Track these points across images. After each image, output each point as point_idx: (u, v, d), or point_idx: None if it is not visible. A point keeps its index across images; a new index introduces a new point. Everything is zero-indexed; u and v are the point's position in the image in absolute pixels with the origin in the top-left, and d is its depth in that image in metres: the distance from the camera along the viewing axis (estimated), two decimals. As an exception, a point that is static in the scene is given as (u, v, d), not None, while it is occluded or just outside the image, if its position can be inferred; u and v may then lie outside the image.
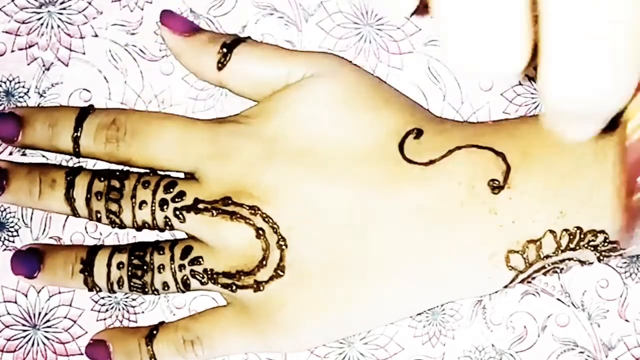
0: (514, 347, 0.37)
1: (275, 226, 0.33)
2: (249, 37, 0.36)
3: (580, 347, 0.37)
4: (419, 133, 0.33)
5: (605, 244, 0.32)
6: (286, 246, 0.33)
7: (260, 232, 0.33)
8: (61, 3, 0.37)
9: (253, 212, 0.33)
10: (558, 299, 0.37)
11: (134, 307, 0.37)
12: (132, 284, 0.35)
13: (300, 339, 0.35)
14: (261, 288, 0.33)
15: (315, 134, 0.33)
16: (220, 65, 0.34)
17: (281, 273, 0.33)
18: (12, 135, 0.35)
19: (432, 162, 0.33)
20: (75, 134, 0.35)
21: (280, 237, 0.33)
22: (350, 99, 0.34)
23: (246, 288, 0.34)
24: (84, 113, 0.35)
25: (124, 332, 0.36)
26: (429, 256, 0.33)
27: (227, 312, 0.35)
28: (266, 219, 0.33)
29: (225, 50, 0.34)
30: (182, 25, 0.35)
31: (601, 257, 0.33)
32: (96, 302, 0.37)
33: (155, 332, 0.36)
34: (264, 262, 0.33)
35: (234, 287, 0.34)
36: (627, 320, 0.37)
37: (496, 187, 0.32)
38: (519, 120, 0.35)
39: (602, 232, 0.32)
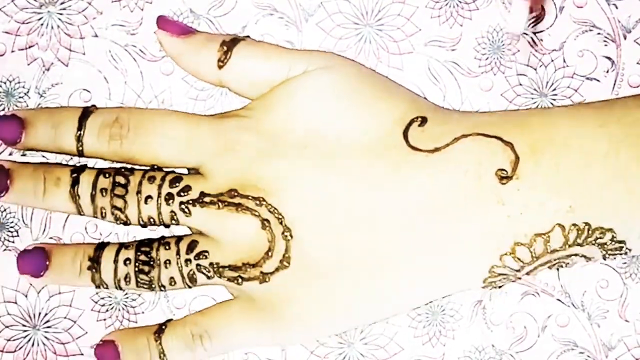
0: (514, 348, 0.37)
1: (280, 217, 0.33)
2: (248, 36, 0.36)
3: (580, 347, 0.37)
4: (423, 121, 0.33)
5: (612, 243, 0.32)
6: (291, 237, 0.33)
7: (266, 222, 0.33)
8: (61, 3, 0.37)
9: (258, 203, 0.33)
10: (558, 299, 0.37)
11: (134, 307, 0.37)
12: (139, 279, 0.35)
13: (307, 329, 0.35)
14: (267, 279, 0.34)
15: (318, 124, 0.34)
16: (220, 63, 0.35)
17: (287, 264, 0.33)
18: (15, 137, 0.35)
19: (437, 149, 0.33)
20: (79, 133, 0.35)
21: (285, 227, 0.33)
22: (352, 90, 0.34)
23: (252, 280, 0.34)
24: (86, 112, 0.35)
25: (131, 331, 0.36)
26: (435, 245, 0.33)
27: (234, 306, 0.35)
28: (271, 210, 0.33)
29: (225, 48, 0.35)
30: (179, 27, 0.35)
31: (607, 255, 0.33)
32: (96, 303, 0.37)
33: (163, 328, 0.36)
34: (270, 253, 0.33)
35: (239, 280, 0.34)
36: (627, 321, 0.37)
37: (504, 177, 0.32)
38: (527, 112, 0.35)
39: (610, 230, 0.32)
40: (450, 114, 0.35)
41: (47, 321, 0.37)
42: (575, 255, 0.33)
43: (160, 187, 0.34)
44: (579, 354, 0.37)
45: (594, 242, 0.32)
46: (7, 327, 0.37)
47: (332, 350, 0.37)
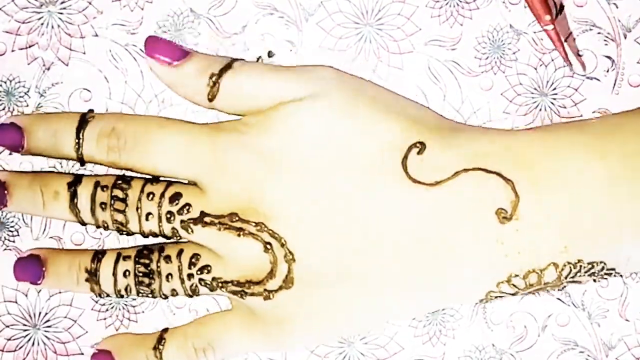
0: (514, 347, 0.37)
1: (282, 241, 0.33)
2: (242, 59, 0.35)
3: (580, 346, 0.37)
4: (422, 147, 0.33)
5: (603, 271, 0.33)
6: (294, 260, 0.33)
7: (268, 246, 0.33)
8: (61, 3, 0.37)
9: (260, 228, 0.33)
10: (558, 299, 0.37)
11: (134, 307, 0.37)
12: (140, 290, 0.35)
13: (309, 339, 0.36)
14: (271, 297, 0.34)
15: (317, 148, 0.33)
16: (210, 96, 0.34)
17: (290, 285, 0.33)
18: (17, 144, 0.35)
19: (437, 183, 0.33)
20: (77, 144, 0.35)
21: (287, 251, 0.33)
22: (350, 114, 0.33)
23: (256, 296, 0.34)
24: (82, 121, 0.35)
25: (129, 341, 0.36)
26: (432, 270, 0.33)
27: (236, 316, 0.35)
28: (273, 235, 0.33)
29: (212, 81, 0.34)
30: (167, 53, 0.34)
31: (596, 280, 0.34)
32: (96, 302, 0.37)
33: (163, 340, 0.36)
34: (273, 275, 0.33)
35: (243, 295, 0.34)
36: (627, 320, 0.37)
37: (504, 218, 0.32)
38: (528, 140, 0.33)
39: (602, 262, 0.32)
40: (449, 138, 0.34)
41: (48, 320, 0.37)
42: (567, 283, 0.33)
43: (159, 204, 0.34)
44: (579, 354, 0.37)
45: (585, 273, 0.33)
46: (7, 326, 0.37)
47: (332, 350, 0.37)
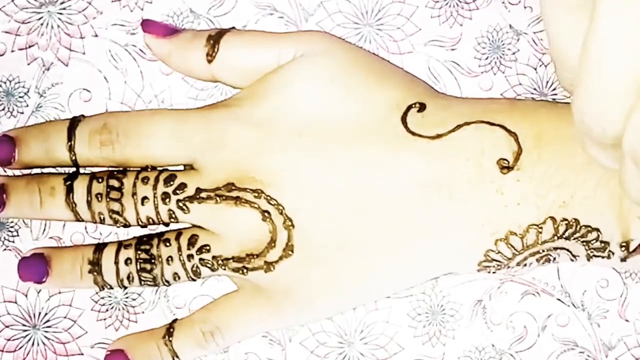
0: (514, 347, 0.37)
1: (280, 207, 0.33)
2: (233, 27, 0.36)
3: (580, 347, 0.37)
4: (421, 107, 0.33)
5: (597, 242, 0.33)
6: (293, 226, 0.33)
7: (266, 214, 0.33)
8: (61, 3, 0.37)
9: (257, 195, 0.33)
10: (558, 299, 0.37)
11: (134, 307, 0.37)
12: (142, 278, 0.35)
13: (314, 312, 0.35)
14: (272, 268, 0.34)
15: (312, 112, 0.33)
16: (209, 57, 0.35)
17: (290, 253, 0.33)
18: (9, 156, 0.35)
19: (439, 136, 0.33)
20: (69, 143, 0.35)
21: (286, 217, 0.33)
22: (345, 76, 0.34)
23: (257, 270, 0.34)
24: (74, 122, 0.35)
25: (139, 337, 0.36)
26: (433, 228, 0.33)
27: (241, 296, 0.35)
28: (271, 202, 0.33)
29: (212, 42, 0.35)
30: (163, 28, 0.36)
31: (590, 255, 0.33)
32: (96, 302, 0.37)
33: (172, 330, 0.36)
34: (273, 244, 0.33)
35: (244, 271, 0.34)
36: (627, 320, 0.37)
37: (505, 167, 0.32)
38: (534, 103, 0.34)
39: (597, 230, 0.32)
40: (450, 100, 0.34)
41: (47, 321, 0.37)
42: (562, 249, 0.33)
43: (155, 187, 0.34)
44: (579, 354, 0.37)
45: (579, 238, 0.33)
46: (7, 326, 0.37)
47: (332, 350, 0.37)
